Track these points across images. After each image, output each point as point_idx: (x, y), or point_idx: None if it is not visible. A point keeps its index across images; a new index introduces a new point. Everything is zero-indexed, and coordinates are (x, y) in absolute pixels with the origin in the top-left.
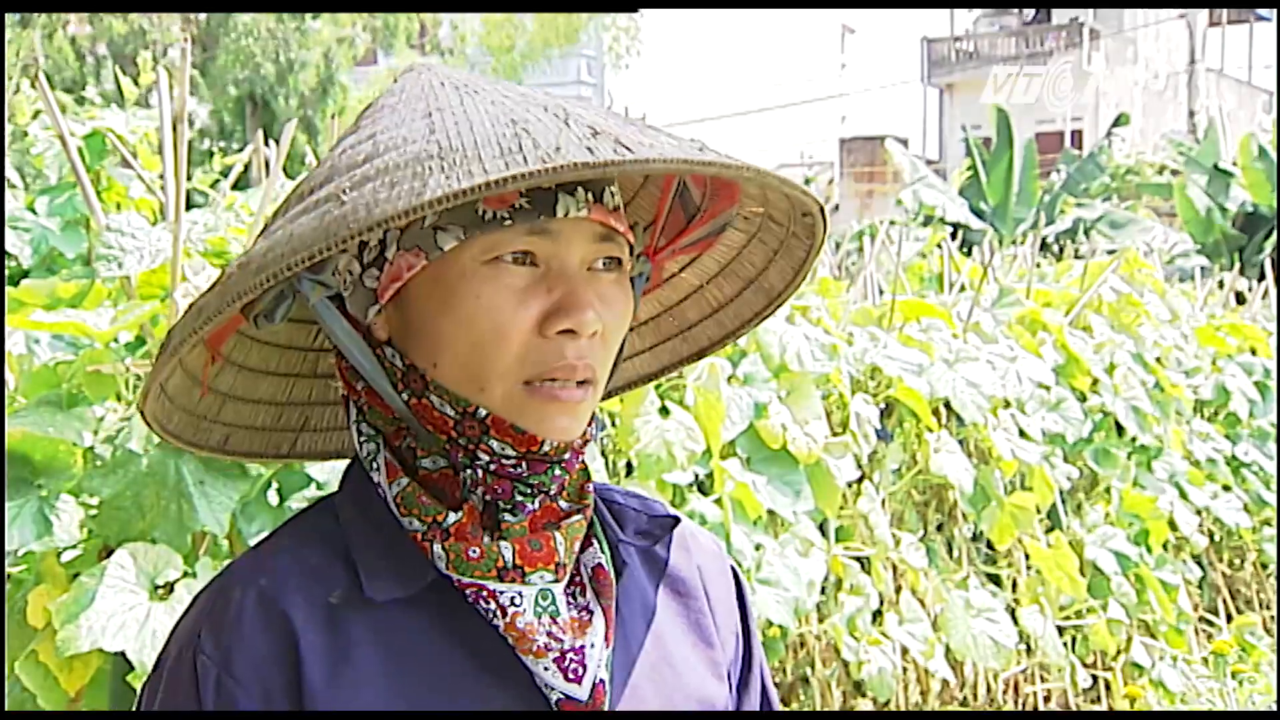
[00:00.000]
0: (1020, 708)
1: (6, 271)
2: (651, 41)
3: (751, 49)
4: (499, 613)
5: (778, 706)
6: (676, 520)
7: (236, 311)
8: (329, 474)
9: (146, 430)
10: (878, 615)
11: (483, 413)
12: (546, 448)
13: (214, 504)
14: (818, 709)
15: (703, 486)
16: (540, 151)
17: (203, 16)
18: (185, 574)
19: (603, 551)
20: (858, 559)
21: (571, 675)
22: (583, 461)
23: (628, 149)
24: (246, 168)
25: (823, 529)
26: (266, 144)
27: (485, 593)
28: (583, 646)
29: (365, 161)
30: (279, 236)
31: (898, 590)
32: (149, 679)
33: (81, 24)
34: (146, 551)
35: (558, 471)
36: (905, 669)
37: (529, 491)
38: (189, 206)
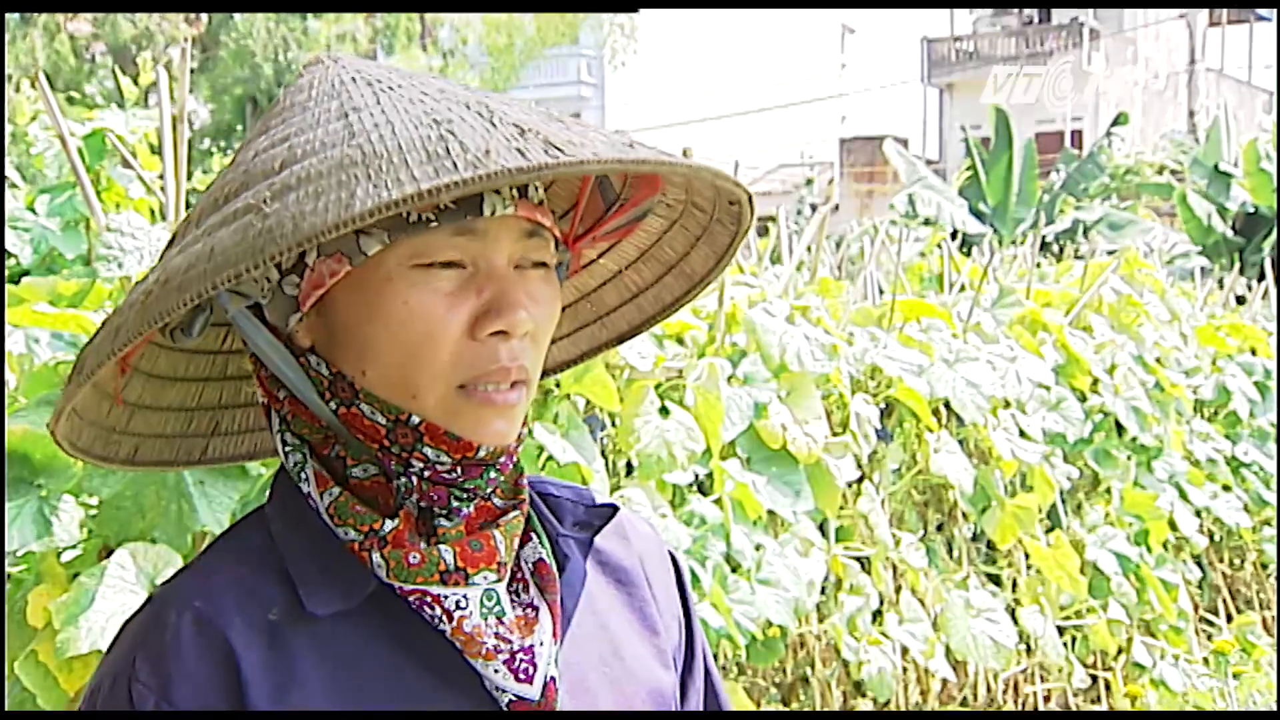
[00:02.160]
0: (1020, 708)
1: (6, 271)
2: (651, 41)
3: (751, 49)
4: (444, 617)
5: (723, 691)
6: (615, 510)
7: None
8: None
9: None
10: (878, 615)
11: (416, 420)
12: (482, 453)
13: (214, 504)
14: (818, 709)
15: (703, 487)
16: (469, 156)
17: (204, 17)
18: None
19: (542, 546)
20: (858, 559)
21: (522, 675)
22: (516, 458)
23: (559, 149)
24: None
25: (823, 529)
26: None
27: (429, 598)
28: (532, 645)
29: (283, 168)
30: (198, 251)
31: (898, 590)
32: (79, 711)
33: (82, 23)
34: (146, 552)
35: (493, 474)
36: (905, 669)
37: (465, 496)
38: (188, 206)
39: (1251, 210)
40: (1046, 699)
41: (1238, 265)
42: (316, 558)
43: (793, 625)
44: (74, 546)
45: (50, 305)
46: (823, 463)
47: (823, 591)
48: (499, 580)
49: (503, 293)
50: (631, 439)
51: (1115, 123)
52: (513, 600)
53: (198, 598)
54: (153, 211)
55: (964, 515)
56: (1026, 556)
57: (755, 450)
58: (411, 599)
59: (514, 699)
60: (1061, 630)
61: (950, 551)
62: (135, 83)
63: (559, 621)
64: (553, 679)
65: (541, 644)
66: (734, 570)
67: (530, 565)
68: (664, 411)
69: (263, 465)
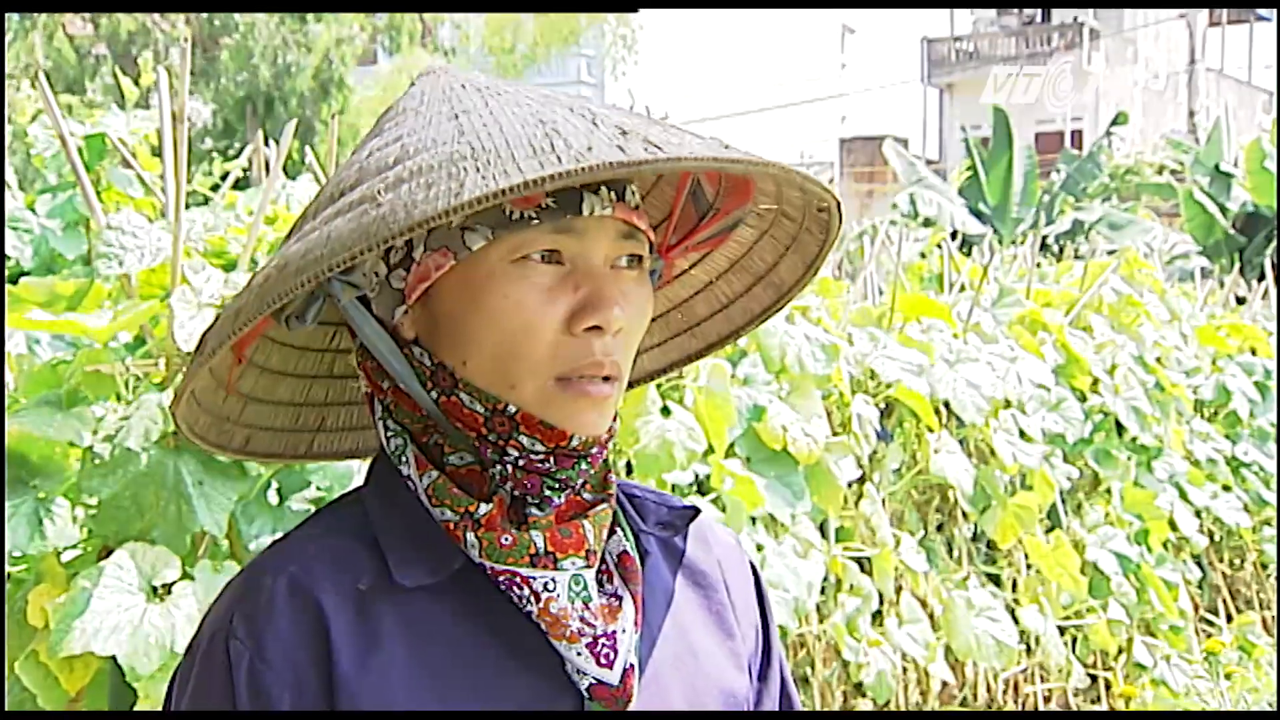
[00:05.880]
0: (1020, 708)
1: (6, 272)
2: (651, 41)
3: (751, 49)
4: (532, 598)
5: (797, 700)
6: (696, 512)
7: (271, 313)
8: (328, 477)
9: (145, 430)
10: (878, 616)
11: (512, 409)
12: (575, 443)
13: (212, 504)
14: (818, 709)
15: (703, 487)
16: (573, 151)
17: (205, 16)
18: (184, 575)
19: (627, 540)
20: (858, 559)
21: (604, 660)
22: (606, 454)
23: (658, 147)
24: (247, 168)
25: (823, 529)
26: (266, 144)
27: (518, 579)
28: (614, 632)
29: (396, 163)
30: (315, 239)
31: (898, 591)
32: (180, 665)
33: (86, 24)
34: (145, 552)
35: (584, 466)
36: (905, 669)
37: (556, 486)
38: (188, 206)
39: (1252, 210)
40: (1046, 699)
41: (1238, 265)
42: (409, 533)
43: (793, 626)
44: (74, 547)
45: (48, 305)
46: (823, 462)
47: (822, 592)
48: (588, 567)
49: (598, 290)
50: (631, 439)
51: (1115, 123)
52: (599, 589)
53: (293, 564)
54: (154, 210)
55: (964, 515)
56: (1026, 556)
57: (755, 451)
58: (500, 579)
59: (594, 682)
60: (1062, 630)
61: (950, 551)
62: (136, 83)
63: (640, 612)
64: (631, 666)
65: (624, 631)
66: None
67: (615, 557)
68: (665, 411)
69: (261, 467)
